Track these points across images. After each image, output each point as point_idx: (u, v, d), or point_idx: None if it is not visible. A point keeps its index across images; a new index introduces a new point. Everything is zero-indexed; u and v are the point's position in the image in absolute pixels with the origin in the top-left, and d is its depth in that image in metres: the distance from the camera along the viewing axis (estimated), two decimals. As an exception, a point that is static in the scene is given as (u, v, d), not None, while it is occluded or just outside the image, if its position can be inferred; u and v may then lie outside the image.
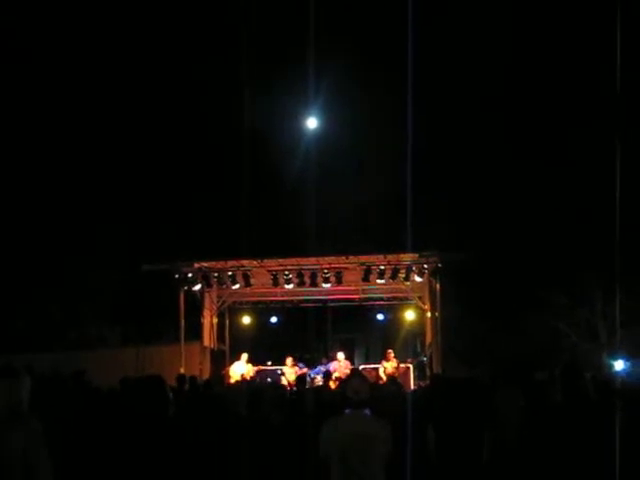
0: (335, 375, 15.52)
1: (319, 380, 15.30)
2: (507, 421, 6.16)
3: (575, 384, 4.90)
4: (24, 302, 20.43)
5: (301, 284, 16.87)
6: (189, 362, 16.60)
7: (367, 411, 5.20)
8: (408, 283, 17.00)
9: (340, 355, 16.41)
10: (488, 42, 19.85)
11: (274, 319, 20.67)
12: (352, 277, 17.24)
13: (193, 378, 10.00)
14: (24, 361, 8.88)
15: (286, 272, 16.58)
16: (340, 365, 16.05)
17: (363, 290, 18.54)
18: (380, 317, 20.54)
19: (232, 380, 15.54)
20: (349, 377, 7.77)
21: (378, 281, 16.78)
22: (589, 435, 4.70)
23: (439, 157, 20.41)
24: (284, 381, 15.38)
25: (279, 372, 16.22)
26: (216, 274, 16.85)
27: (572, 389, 4.88)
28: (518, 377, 7.49)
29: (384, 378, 15.31)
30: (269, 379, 15.54)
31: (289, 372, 15.91)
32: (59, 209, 20.73)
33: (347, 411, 5.17)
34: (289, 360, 16.22)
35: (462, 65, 20.36)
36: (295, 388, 10.03)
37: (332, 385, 13.98)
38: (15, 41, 19.57)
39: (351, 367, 16.05)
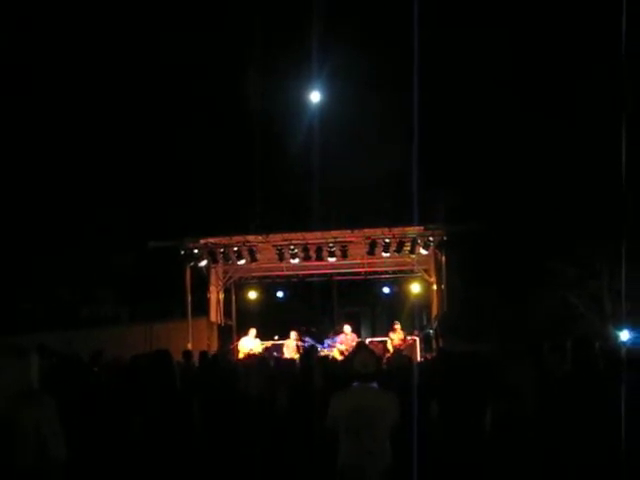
0: (342, 348, 15.65)
1: (326, 353, 15.43)
2: (517, 392, 6.18)
3: (586, 355, 4.94)
4: (31, 284, 20.51)
5: (307, 258, 16.90)
6: (196, 338, 16.72)
7: (374, 384, 5.26)
8: (414, 256, 17.00)
9: (347, 328, 16.49)
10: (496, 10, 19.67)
11: (280, 294, 20.75)
12: (357, 251, 17.25)
13: (204, 352, 10.08)
14: (33, 340, 8.95)
15: (291, 247, 16.59)
16: (347, 338, 16.15)
17: (369, 264, 18.57)
18: (386, 290, 20.60)
19: (241, 355, 15.67)
20: (356, 350, 7.83)
21: (384, 254, 16.79)
22: (598, 404, 4.75)
23: (444, 128, 20.27)
24: (285, 354, 15.51)
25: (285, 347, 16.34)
26: (222, 250, 16.88)
27: (583, 360, 4.92)
28: (527, 348, 7.51)
29: (391, 350, 15.41)
30: (275, 354, 15.63)
31: (289, 346, 16.03)
32: (65, 189, 20.73)
33: (355, 384, 5.23)
34: (293, 334, 16.33)
35: (468, 32, 20.11)
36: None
37: (339, 357, 14.09)
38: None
39: (357, 340, 16.14)
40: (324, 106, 19.19)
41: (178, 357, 8.62)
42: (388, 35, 20.77)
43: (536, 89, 20.13)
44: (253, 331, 16.33)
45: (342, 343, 15.88)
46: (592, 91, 18.36)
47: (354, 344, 14.94)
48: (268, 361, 8.51)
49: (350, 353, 12.56)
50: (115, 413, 5.51)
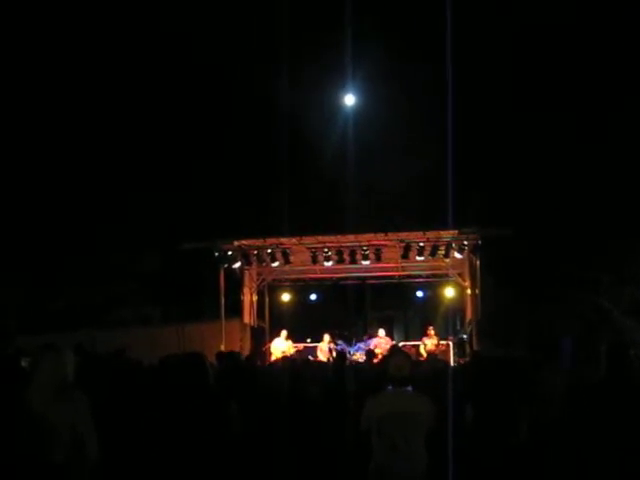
0: (376, 351, 15.59)
1: (359, 356, 15.39)
2: (549, 399, 6.10)
3: (621, 362, 4.81)
4: (64, 286, 20.72)
5: (340, 261, 16.86)
6: (229, 339, 16.78)
7: (409, 388, 5.21)
8: (447, 260, 16.88)
9: (381, 332, 16.46)
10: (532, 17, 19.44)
11: (313, 296, 20.76)
12: (391, 254, 17.18)
13: (233, 353, 10.08)
14: (63, 340, 9.04)
15: (325, 249, 16.58)
16: (381, 342, 16.10)
17: (402, 267, 18.49)
18: (419, 294, 20.50)
19: (273, 357, 15.70)
20: (390, 354, 7.78)
21: (417, 258, 16.68)
22: (634, 412, 4.63)
23: (479, 132, 20.09)
24: (319, 357, 15.50)
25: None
26: (255, 252, 16.94)
27: (617, 366, 4.80)
28: (560, 353, 7.41)
29: (424, 355, 15.30)
30: (310, 357, 15.63)
31: (323, 349, 16.02)
32: (96, 190, 20.92)
33: (389, 388, 5.19)
34: (326, 337, 16.32)
35: (504, 38, 19.91)
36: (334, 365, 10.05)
37: (374, 361, 14.02)
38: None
39: (392, 344, 16.06)
40: (358, 109, 19.18)
41: (211, 358, 8.64)
42: (422, 38, 20.66)
43: (570, 98, 19.85)
44: (284, 333, 16.39)
45: (376, 347, 15.82)
46: (621, 100, 18.11)
47: (388, 347, 14.88)
48: (301, 363, 8.50)
49: (385, 357, 12.50)
50: (146, 413, 5.52)
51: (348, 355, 14.56)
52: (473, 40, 18.50)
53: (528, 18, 19.61)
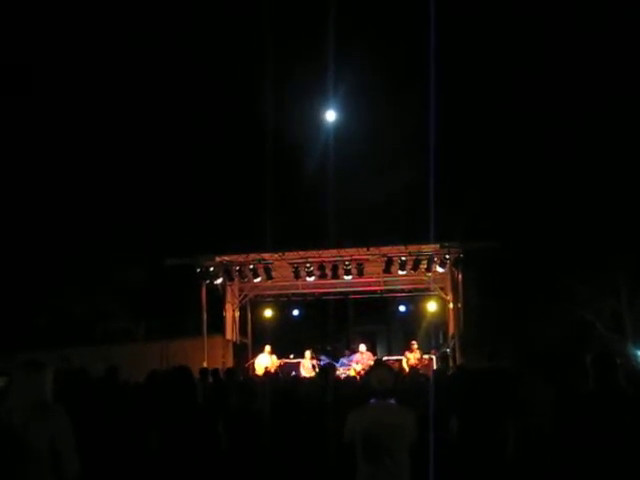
0: (358, 367, 15.54)
1: (342, 372, 15.32)
2: (534, 412, 6.09)
3: (609, 372, 4.81)
4: (48, 300, 20.54)
5: (322, 276, 16.84)
6: (212, 355, 16.69)
7: (392, 401, 5.19)
8: (430, 274, 16.91)
9: (362, 347, 16.40)
10: (513, 36, 19.68)
11: (296, 312, 20.71)
12: (373, 269, 17.19)
13: (215, 370, 10.03)
14: (46, 357, 8.91)
15: (307, 264, 16.56)
16: (363, 357, 16.04)
17: (385, 282, 18.49)
18: (402, 309, 20.50)
19: (257, 372, 15.61)
20: (373, 367, 7.77)
21: (400, 272, 16.71)
22: (624, 424, 4.63)
23: (459, 146, 20.23)
24: (302, 373, 15.42)
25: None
26: (238, 267, 16.89)
27: (605, 376, 4.80)
28: (545, 367, 7.40)
29: (407, 369, 15.27)
30: (293, 373, 15.56)
31: (306, 365, 15.95)
32: (80, 206, 20.82)
33: (372, 401, 5.17)
34: (308, 353, 16.26)
35: (485, 52, 20.12)
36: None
37: (355, 377, 13.98)
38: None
39: (374, 358, 16.02)
40: (340, 124, 19.26)
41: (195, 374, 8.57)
42: (404, 55, 20.85)
43: (553, 113, 20.06)
44: (268, 348, 16.32)
45: (358, 362, 15.78)
46: (610, 115, 18.33)
47: (370, 363, 14.84)
48: (284, 378, 8.45)
49: (367, 370, 12.47)
50: (131, 428, 5.47)
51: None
52: (455, 58, 18.69)
53: (509, 41, 19.85)
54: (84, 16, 20.15)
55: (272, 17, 18.17)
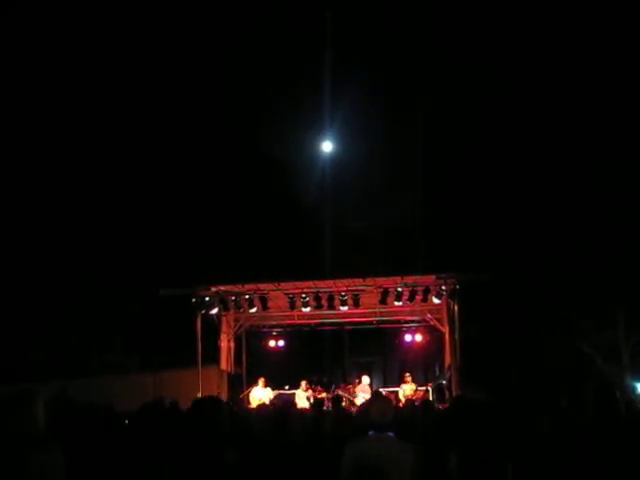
0: (356, 401, 15.42)
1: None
2: (530, 448, 6.03)
3: (608, 403, 4.78)
4: (42, 333, 20.39)
5: (318, 307, 16.80)
6: (206, 386, 16.52)
7: (391, 433, 5.13)
8: (426, 305, 16.89)
9: (365, 379, 16.37)
10: (504, 62, 19.90)
11: (291, 342, 20.58)
12: (369, 300, 17.14)
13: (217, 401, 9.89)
14: (44, 388, 8.82)
15: (303, 295, 16.51)
16: (363, 389, 16.01)
17: (381, 312, 18.42)
18: (398, 340, 20.40)
19: (252, 405, 15.46)
20: (373, 399, 7.69)
21: (396, 303, 16.68)
22: (625, 455, 4.59)
23: (455, 178, 20.33)
24: (298, 404, 15.28)
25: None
26: (233, 298, 16.82)
27: (605, 409, 4.77)
28: (542, 401, 7.34)
29: (403, 401, 15.17)
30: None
31: (301, 396, 15.83)
32: (74, 237, 20.77)
33: (371, 433, 5.10)
34: (303, 383, 16.15)
35: (479, 86, 20.29)
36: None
37: (353, 409, 13.86)
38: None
39: (370, 391, 15.93)
40: (336, 155, 19.38)
41: (187, 406, 8.47)
42: (399, 86, 21.03)
43: (549, 137, 20.23)
44: (262, 381, 16.20)
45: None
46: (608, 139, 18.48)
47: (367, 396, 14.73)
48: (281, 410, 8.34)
49: (366, 403, 12.35)
50: (128, 460, 5.38)
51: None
52: (452, 86, 18.87)
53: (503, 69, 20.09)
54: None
55: (270, 48, 18.39)
